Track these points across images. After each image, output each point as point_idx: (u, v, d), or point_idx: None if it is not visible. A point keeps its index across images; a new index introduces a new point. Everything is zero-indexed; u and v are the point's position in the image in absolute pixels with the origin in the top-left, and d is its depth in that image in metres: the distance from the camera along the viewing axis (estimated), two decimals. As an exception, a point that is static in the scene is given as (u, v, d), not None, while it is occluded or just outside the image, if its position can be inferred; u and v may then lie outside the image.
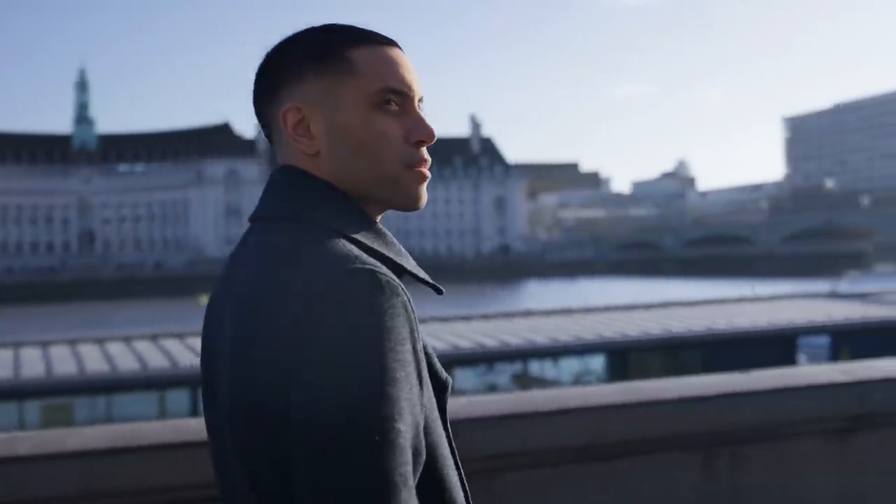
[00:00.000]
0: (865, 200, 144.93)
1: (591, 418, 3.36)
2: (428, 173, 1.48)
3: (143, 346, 16.37)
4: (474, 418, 3.16)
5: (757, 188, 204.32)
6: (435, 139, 1.48)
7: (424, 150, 1.47)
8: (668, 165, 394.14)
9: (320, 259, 1.30)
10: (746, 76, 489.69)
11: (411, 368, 1.28)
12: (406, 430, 1.24)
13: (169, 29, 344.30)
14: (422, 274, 1.45)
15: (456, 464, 1.44)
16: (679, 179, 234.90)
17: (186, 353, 15.66)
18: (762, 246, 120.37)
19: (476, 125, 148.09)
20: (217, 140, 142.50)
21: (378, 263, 1.32)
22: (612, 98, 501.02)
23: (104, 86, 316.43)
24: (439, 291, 1.49)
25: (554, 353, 16.76)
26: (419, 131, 1.45)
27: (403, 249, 1.46)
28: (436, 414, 1.39)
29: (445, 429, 1.43)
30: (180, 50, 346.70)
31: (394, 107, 1.44)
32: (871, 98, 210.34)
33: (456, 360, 16.03)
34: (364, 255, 1.33)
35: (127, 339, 17.22)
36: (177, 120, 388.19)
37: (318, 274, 1.28)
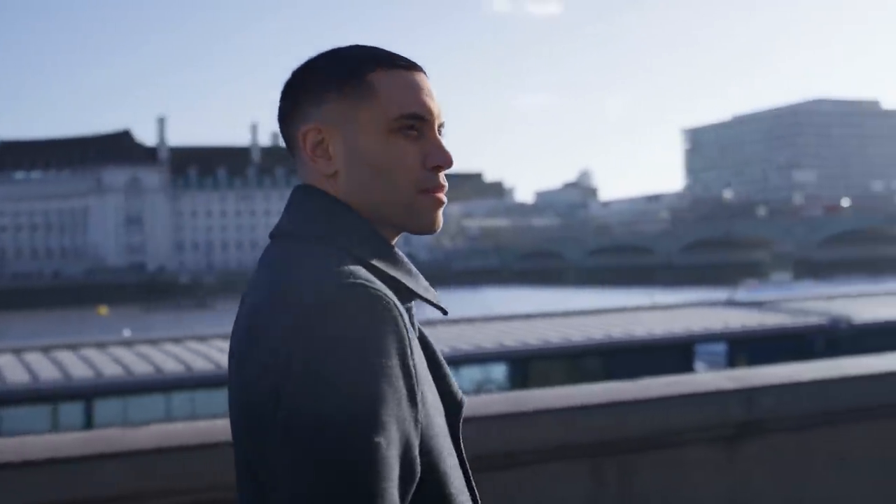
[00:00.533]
0: (762, 211, 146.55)
1: (479, 428, 3.29)
2: (444, 198, 1.49)
3: (35, 358, 15.89)
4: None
5: (658, 198, 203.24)
6: (453, 164, 1.50)
7: (442, 175, 1.49)
8: (571, 175, 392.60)
9: (316, 273, 1.33)
10: (648, 87, 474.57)
11: (400, 384, 1.28)
12: (390, 447, 1.25)
13: (68, 33, 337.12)
14: (429, 295, 1.47)
15: (469, 484, 1.45)
16: (581, 189, 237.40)
17: (80, 365, 15.22)
18: (663, 255, 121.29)
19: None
20: (117, 147, 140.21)
21: (373, 279, 1.34)
22: (515, 107, 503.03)
23: (0, 91, 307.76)
24: (444, 312, 1.52)
25: (455, 361, 16.57)
26: (436, 157, 1.47)
27: (415, 270, 1.49)
28: (436, 431, 1.37)
29: (458, 448, 1.45)
30: (80, 55, 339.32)
31: (413, 132, 1.46)
32: (767, 111, 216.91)
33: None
34: (362, 271, 1.34)
35: (17, 351, 16.72)
36: (76, 127, 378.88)
37: (309, 287, 1.31)
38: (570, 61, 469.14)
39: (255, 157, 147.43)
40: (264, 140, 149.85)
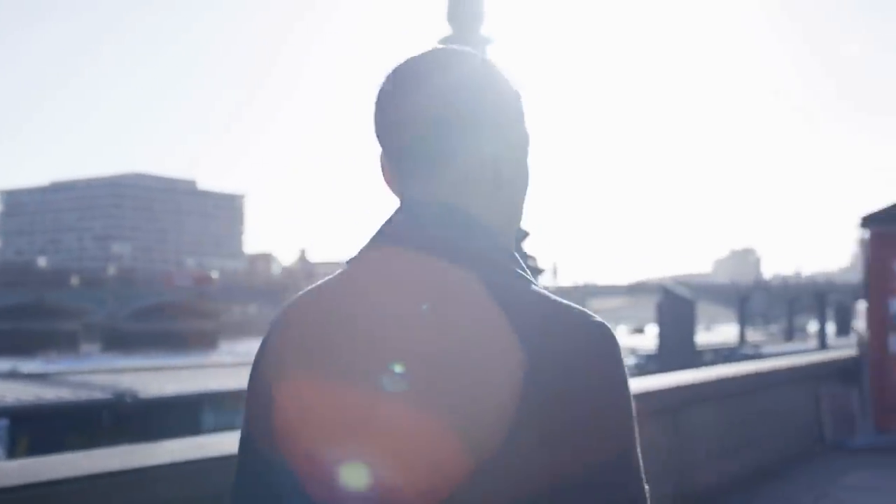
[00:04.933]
0: (75, 280, 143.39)
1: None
2: None
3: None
4: None
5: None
6: None
7: None
8: None
9: (584, 314, 1.24)
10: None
11: None
12: None
13: None
14: None
15: None
16: None
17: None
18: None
19: None
20: None
21: None
22: None
23: None
24: None
25: None
26: None
27: None
28: None
29: None
30: None
31: None
32: (87, 179, 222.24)
33: None
34: None
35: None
36: None
37: (600, 329, 1.23)
38: None
39: None
40: None
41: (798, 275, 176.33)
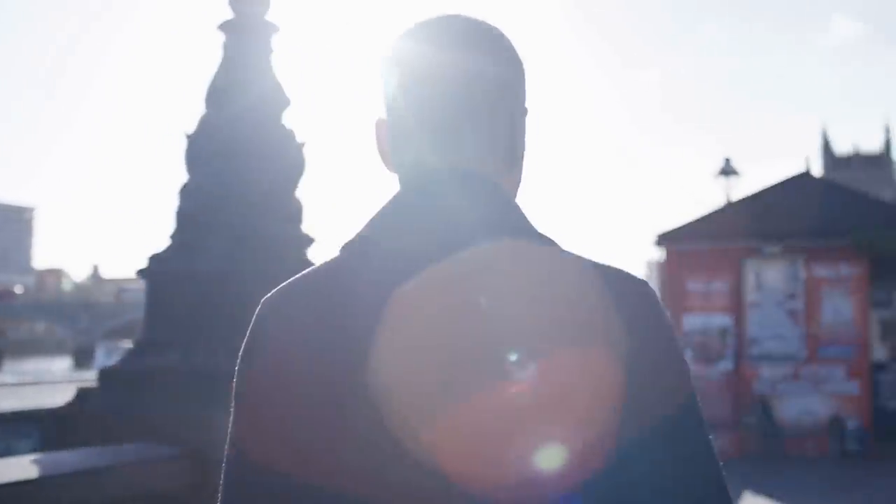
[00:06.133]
0: None
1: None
2: None
3: None
4: None
5: None
6: None
7: None
8: None
9: (628, 272, 1.29)
10: None
11: None
12: None
13: None
14: None
15: None
16: None
17: None
18: None
19: None
20: None
21: None
22: None
23: None
24: None
25: None
26: None
27: None
28: None
29: None
30: None
31: None
32: None
33: None
34: None
35: None
36: None
37: (652, 290, 1.27)
38: None
39: None
40: None
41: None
